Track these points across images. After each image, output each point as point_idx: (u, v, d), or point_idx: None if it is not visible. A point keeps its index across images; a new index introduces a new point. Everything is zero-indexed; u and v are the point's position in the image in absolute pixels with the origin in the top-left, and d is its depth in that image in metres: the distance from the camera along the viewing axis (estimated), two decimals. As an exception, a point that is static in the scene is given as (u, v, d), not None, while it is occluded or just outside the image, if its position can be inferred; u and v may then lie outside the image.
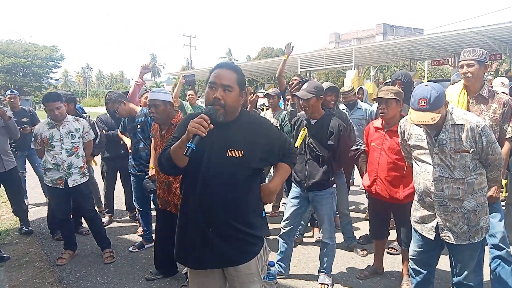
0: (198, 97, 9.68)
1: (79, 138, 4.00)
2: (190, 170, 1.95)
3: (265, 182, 2.34)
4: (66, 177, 3.90)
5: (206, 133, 1.76)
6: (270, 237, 4.36)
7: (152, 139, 3.62)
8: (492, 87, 4.73)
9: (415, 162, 2.56)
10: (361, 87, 6.22)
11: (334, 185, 3.48)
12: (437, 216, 2.44)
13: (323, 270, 3.47)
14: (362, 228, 4.89)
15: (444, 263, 3.11)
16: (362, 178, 5.16)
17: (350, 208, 5.55)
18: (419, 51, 23.58)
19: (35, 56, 45.70)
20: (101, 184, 5.53)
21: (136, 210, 4.57)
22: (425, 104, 2.24)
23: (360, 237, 4.51)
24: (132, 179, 4.30)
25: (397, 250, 4.03)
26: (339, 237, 4.14)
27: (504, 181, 2.93)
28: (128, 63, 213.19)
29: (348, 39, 53.69)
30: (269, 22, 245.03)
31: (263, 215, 2.11)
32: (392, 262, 3.90)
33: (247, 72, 35.01)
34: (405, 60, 26.47)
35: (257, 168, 2.01)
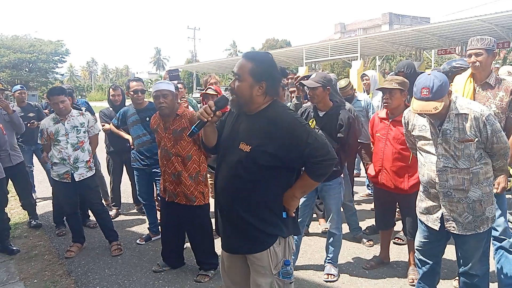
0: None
1: (84, 132, 4.03)
2: (218, 155, 2.18)
3: None
4: (73, 171, 3.94)
5: (210, 118, 1.96)
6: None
7: (155, 133, 3.62)
8: (499, 75, 4.68)
9: (420, 152, 2.55)
10: (365, 73, 5.84)
11: (342, 175, 3.48)
12: (442, 206, 2.43)
13: (329, 261, 3.49)
14: (368, 219, 4.88)
15: (450, 252, 3.10)
16: (366, 170, 5.18)
17: (356, 199, 5.60)
18: (425, 40, 23.32)
19: (40, 51, 45.81)
20: (107, 178, 5.58)
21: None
22: (427, 94, 2.23)
23: (366, 228, 4.51)
24: (135, 173, 4.31)
25: (403, 240, 4.03)
26: (345, 228, 4.15)
27: (511, 170, 2.90)
28: (133, 57, 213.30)
29: (354, 29, 53.26)
30: (273, 13, 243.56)
31: (284, 216, 2.03)
32: (398, 252, 3.91)
33: (252, 64, 34.89)
34: (412, 50, 26.20)
35: (268, 166, 1.94)
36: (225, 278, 2.29)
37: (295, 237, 3.54)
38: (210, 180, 4.28)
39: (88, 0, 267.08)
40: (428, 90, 2.22)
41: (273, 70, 2.02)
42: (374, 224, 3.96)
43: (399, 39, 23.83)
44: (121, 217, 5.33)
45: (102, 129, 4.91)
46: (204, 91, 4.21)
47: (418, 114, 2.44)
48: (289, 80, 4.78)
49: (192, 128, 2.00)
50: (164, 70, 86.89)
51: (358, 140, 4.46)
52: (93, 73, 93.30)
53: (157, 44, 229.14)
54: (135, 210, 5.57)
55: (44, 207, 5.81)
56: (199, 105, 5.75)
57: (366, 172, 4.43)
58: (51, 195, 4.82)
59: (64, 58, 50.35)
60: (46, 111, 6.01)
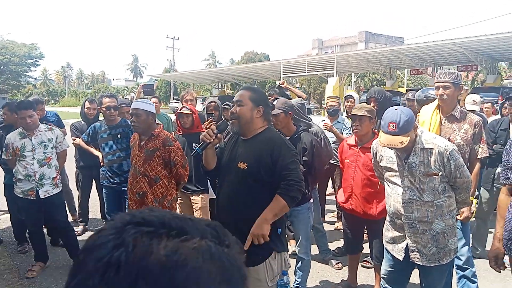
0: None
1: (52, 148, 3.91)
2: (219, 178, 2.42)
3: None
4: (38, 188, 3.80)
5: (212, 140, 2.24)
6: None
7: (131, 149, 3.57)
8: (464, 104, 4.86)
9: (387, 183, 2.61)
10: (350, 94, 5.94)
11: (311, 200, 3.50)
12: (407, 237, 2.48)
13: (298, 285, 3.49)
14: (337, 240, 4.92)
15: (416, 276, 3.15)
16: (335, 190, 5.24)
17: (328, 219, 5.65)
18: (399, 60, 24.07)
19: (13, 53, 44.61)
20: (75, 192, 5.42)
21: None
22: (394, 128, 2.29)
23: (336, 249, 4.54)
24: (104, 191, 4.22)
25: (371, 264, 4.07)
26: (314, 249, 4.16)
27: (475, 201, 3.00)
28: (110, 63, 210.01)
29: (331, 45, 54.38)
30: (253, 26, 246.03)
31: (279, 232, 2.22)
32: (366, 276, 3.94)
33: (230, 76, 35.05)
34: (386, 68, 26.97)
35: (264, 181, 2.19)
36: None
37: None
38: (180, 200, 4.21)
39: (65, 3, 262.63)
40: (395, 124, 2.29)
41: (266, 100, 2.40)
42: (343, 246, 3.99)
43: (374, 58, 24.52)
44: (88, 234, 5.18)
45: (73, 143, 4.79)
46: (178, 111, 4.17)
47: (386, 147, 2.50)
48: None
49: (196, 148, 2.27)
50: (142, 77, 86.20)
51: (331, 161, 4.53)
52: (68, 78, 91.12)
53: (135, 51, 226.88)
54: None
55: (6, 221, 5.56)
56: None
57: (335, 197, 4.50)
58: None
59: (38, 61, 49.23)
60: None
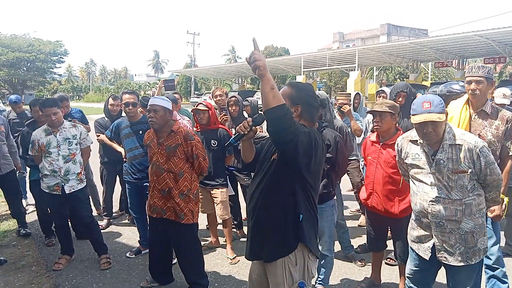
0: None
1: (76, 144, 3.98)
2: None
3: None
4: (63, 183, 3.88)
5: (246, 132, 2.17)
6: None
7: (148, 148, 3.59)
8: (493, 98, 4.68)
9: (412, 181, 2.53)
10: (358, 93, 6.12)
11: (335, 197, 3.45)
12: (434, 236, 2.41)
13: (320, 282, 3.45)
14: (359, 237, 4.86)
15: (442, 275, 3.07)
16: (353, 187, 5.21)
17: (346, 214, 5.58)
18: (423, 53, 23.51)
19: (39, 51, 45.80)
20: (100, 187, 5.52)
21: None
22: (429, 106, 2.27)
23: (358, 246, 4.48)
24: (127, 186, 4.28)
25: (395, 261, 3.99)
26: (337, 246, 4.12)
27: (506, 199, 2.89)
28: (132, 59, 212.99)
29: (352, 38, 53.53)
30: (273, 20, 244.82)
31: (300, 218, 2.14)
32: (390, 274, 3.87)
33: (250, 71, 34.86)
34: (409, 62, 26.39)
35: (292, 170, 2.11)
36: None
37: None
38: (201, 195, 4.26)
39: (88, 1, 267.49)
40: (429, 103, 2.27)
41: (309, 98, 2.25)
42: (366, 243, 3.93)
43: (397, 51, 24.01)
44: (112, 228, 5.27)
45: (97, 139, 4.87)
46: (195, 107, 4.18)
47: (418, 130, 2.38)
48: None
49: (230, 139, 2.23)
50: (163, 73, 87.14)
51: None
52: (91, 74, 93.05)
53: (156, 47, 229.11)
54: (126, 221, 5.52)
55: (34, 215, 5.72)
56: None
57: (357, 193, 4.43)
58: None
59: (62, 58, 50.40)
60: None
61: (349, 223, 5.30)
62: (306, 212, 2.14)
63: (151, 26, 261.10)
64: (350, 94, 5.43)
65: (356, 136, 5.07)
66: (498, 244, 2.96)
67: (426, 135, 2.33)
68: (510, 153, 2.96)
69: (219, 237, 4.63)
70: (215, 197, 4.27)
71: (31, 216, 5.56)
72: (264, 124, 2.18)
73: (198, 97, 34.64)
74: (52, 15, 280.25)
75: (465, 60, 23.29)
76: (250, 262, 2.42)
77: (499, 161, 2.84)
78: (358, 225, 5.25)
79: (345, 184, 6.37)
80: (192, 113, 4.34)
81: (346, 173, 5.12)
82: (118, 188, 5.42)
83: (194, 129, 4.45)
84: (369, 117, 5.15)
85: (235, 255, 4.24)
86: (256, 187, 2.23)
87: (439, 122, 2.27)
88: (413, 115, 2.34)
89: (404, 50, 23.48)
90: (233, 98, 4.69)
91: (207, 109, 4.16)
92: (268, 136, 2.19)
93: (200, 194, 4.13)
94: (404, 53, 24.31)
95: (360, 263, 4.11)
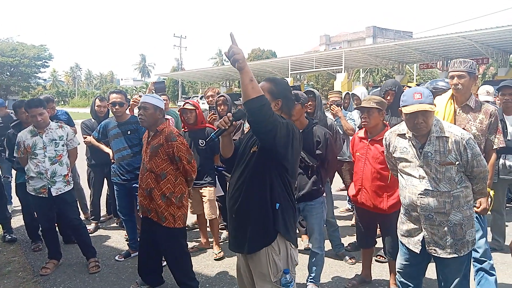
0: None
1: (63, 145, 3.92)
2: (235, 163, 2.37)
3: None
4: (50, 186, 3.82)
5: (227, 127, 2.21)
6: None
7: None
8: (477, 96, 4.77)
9: (401, 175, 2.55)
10: (348, 92, 6.20)
11: (324, 194, 3.46)
12: (423, 229, 2.43)
13: (311, 280, 3.45)
14: (349, 236, 4.88)
15: (432, 271, 3.11)
16: (346, 187, 5.21)
17: (337, 214, 5.60)
18: (408, 55, 23.84)
19: (22, 55, 45.09)
20: (87, 191, 5.45)
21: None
22: (420, 97, 2.31)
23: (348, 244, 4.50)
24: (115, 188, 4.23)
25: (385, 258, 4.01)
26: (328, 245, 4.12)
27: (492, 192, 2.93)
28: (118, 63, 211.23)
29: (339, 41, 54.04)
30: (259, 23, 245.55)
31: (276, 207, 2.18)
32: (380, 271, 3.90)
33: (237, 74, 34.86)
34: (394, 63, 26.73)
35: (272, 161, 2.17)
36: (240, 283, 2.49)
37: None
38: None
39: (73, 5, 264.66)
40: (420, 94, 2.31)
41: (288, 92, 2.33)
42: (356, 240, 3.95)
43: (382, 53, 24.31)
44: (101, 231, 5.20)
45: (84, 141, 4.80)
46: (182, 107, 4.17)
47: (409, 121, 2.38)
48: None
49: (211, 134, 2.25)
50: (149, 77, 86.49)
51: (337, 158, 4.48)
52: (77, 79, 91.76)
53: (143, 51, 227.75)
54: (115, 224, 5.45)
55: (20, 220, 5.60)
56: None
57: (347, 190, 4.46)
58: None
59: (47, 63, 49.67)
60: None
61: (340, 223, 5.33)
62: (284, 201, 2.19)
63: (137, 30, 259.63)
64: (341, 92, 5.48)
65: (348, 136, 5.10)
66: (485, 237, 3.00)
67: (416, 126, 2.35)
68: (494, 147, 3.01)
69: (209, 239, 4.60)
70: (204, 196, 4.26)
71: (17, 222, 5.45)
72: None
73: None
74: (36, 18, 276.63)
75: (449, 61, 23.66)
76: None
77: (484, 154, 2.89)
78: (352, 225, 5.25)
79: (336, 184, 6.42)
80: (179, 112, 4.32)
81: (338, 173, 5.17)
82: (105, 191, 5.36)
83: (182, 130, 4.42)
84: (355, 114, 5.22)
85: (220, 250, 4.29)
86: (237, 180, 2.26)
87: (430, 112, 2.31)
88: (404, 106, 2.36)
89: (390, 52, 23.78)
90: (222, 98, 4.71)
91: (194, 108, 4.14)
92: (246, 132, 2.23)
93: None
94: (390, 55, 24.62)
95: (351, 261, 4.12)
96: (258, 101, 1.92)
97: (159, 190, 3.30)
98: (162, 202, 3.29)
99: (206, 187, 4.24)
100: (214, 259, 4.22)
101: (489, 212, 4.50)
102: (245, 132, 2.30)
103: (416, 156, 2.41)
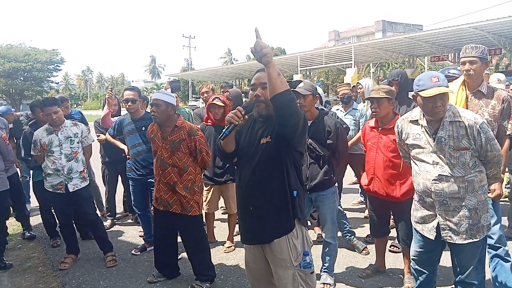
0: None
1: (78, 142, 4.01)
2: (238, 160, 2.39)
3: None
4: (67, 182, 3.90)
5: (239, 122, 2.16)
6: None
7: (151, 142, 3.62)
8: (489, 83, 4.73)
9: (414, 161, 2.55)
10: (359, 82, 6.03)
11: (336, 184, 3.47)
12: (438, 215, 2.43)
13: (325, 270, 3.47)
14: (361, 228, 4.89)
15: (446, 260, 3.10)
16: (358, 180, 5.19)
17: (349, 207, 5.63)
18: (418, 48, 23.53)
19: (35, 60, 45.71)
20: (102, 188, 5.54)
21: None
22: (438, 80, 2.30)
23: (367, 236, 4.49)
24: (130, 183, 4.29)
25: (399, 248, 4.01)
26: (340, 235, 4.13)
27: (506, 178, 2.92)
28: (128, 65, 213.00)
29: (348, 36, 53.62)
30: (268, 21, 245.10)
31: (294, 194, 2.22)
32: (394, 260, 3.90)
33: (247, 72, 35.05)
34: (405, 57, 26.43)
35: (286, 150, 2.21)
36: (249, 277, 2.49)
37: None
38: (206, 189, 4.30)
39: (83, 9, 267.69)
40: (437, 77, 2.31)
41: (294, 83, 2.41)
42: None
43: (393, 47, 24.03)
44: (116, 227, 5.29)
45: (97, 139, 4.89)
46: (211, 101, 4.18)
47: (426, 106, 2.35)
48: None
49: (223, 131, 2.18)
50: (160, 78, 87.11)
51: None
52: (89, 82, 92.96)
53: (152, 52, 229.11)
54: (130, 220, 5.53)
55: (38, 218, 5.72)
56: (193, 112, 5.82)
57: (359, 181, 4.46)
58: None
59: (59, 66, 50.25)
60: None
61: (353, 215, 5.34)
62: (298, 187, 2.24)
63: (147, 32, 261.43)
64: (350, 84, 5.46)
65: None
66: (499, 223, 2.98)
67: (434, 110, 2.33)
68: (508, 132, 2.98)
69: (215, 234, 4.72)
70: (225, 192, 4.32)
71: (35, 220, 5.57)
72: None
73: (196, 100, 34.67)
74: (48, 23, 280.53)
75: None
76: None
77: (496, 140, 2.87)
78: (365, 217, 5.25)
79: (348, 178, 6.42)
80: (207, 106, 4.36)
81: (350, 166, 5.17)
82: (120, 189, 5.44)
83: (202, 123, 4.45)
84: (360, 106, 5.23)
85: (233, 244, 4.41)
86: (252, 172, 2.24)
87: (447, 96, 2.31)
88: (421, 90, 2.33)
89: (400, 45, 23.50)
90: (227, 94, 4.77)
91: (223, 105, 4.17)
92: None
93: (207, 191, 4.24)
94: (400, 49, 24.33)
95: (365, 251, 4.13)
96: (288, 94, 1.96)
97: (182, 183, 3.39)
98: (187, 193, 3.39)
99: (229, 182, 4.29)
100: (224, 252, 4.30)
101: (506, 200, 4.49)
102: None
103: (429, 142, 2.40)
